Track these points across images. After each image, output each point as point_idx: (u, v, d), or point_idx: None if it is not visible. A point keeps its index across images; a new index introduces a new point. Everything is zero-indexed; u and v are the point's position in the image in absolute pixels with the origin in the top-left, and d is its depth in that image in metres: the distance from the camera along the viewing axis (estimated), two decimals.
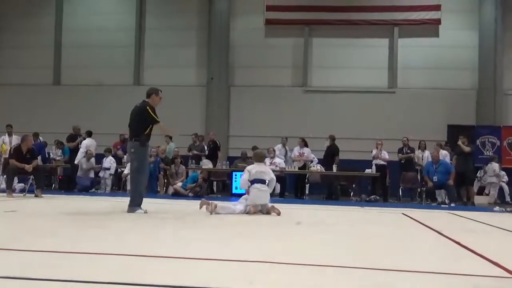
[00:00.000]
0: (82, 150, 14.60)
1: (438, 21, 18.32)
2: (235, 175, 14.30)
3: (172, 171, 14.58)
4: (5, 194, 10.90)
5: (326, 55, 19.07)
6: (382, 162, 14.38)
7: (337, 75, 18.89)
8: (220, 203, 7.73)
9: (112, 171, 15.23)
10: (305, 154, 14.70)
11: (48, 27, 20.33)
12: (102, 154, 15.57)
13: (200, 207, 7.71)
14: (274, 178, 8.31)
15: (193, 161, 15.30)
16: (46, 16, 20.40)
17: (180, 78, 19.07)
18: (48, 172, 15.79)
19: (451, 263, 3.73)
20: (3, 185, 12.10)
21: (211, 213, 7.43)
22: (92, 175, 14.93)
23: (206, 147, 15.83)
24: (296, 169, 14.57)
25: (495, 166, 15.64)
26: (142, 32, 20.12)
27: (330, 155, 14.77)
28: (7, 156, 12.66)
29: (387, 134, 16.55)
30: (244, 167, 14.43)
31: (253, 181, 7.89)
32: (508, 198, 15.76)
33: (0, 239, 4.37)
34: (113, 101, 18.59)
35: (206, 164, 14.71)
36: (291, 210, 8.79)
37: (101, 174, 15.23)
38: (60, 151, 16.72)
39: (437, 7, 18.29)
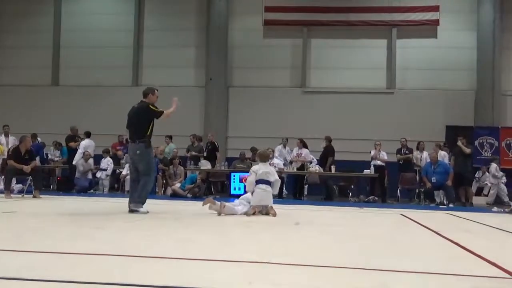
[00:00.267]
0: (80, 151, 14.57)
1: (436, 22, 18.35)
2: (234, 176, 14.30)
3: (170, 172, 14.57)
4: (3, 195, 10.89)
5: (325, 56, 19.09)
6: (380, 163, 14.38)
7: (335, 76, 18.91)
8: (226, 203, 7.72)
9: (109, 172, 15.21)
10: (303, 155, 14.69)
11: (46, 27, 20.33)
12: (100, 155, 15.57)
13: (204, 204, 7.70)
14: (279, 179, 8.33)
15: (192, 162, 15.30)
16: (45, 16, 20.39)
17: (179, 79, 19.07)
18: (46, 173, 15.77)
19: (449, 264, 3.74)
20: (1, 186, 12.10)
21: (219, 214, 7.41)
22: (90, 176, 14.91)
23: (204, 148, 15.83)
24: (295, 170, 14.57)
25: (493, 167, 15.69)
26: (141, 32, 20.12)
27: (325, 156, 14.82)
28: (4, 156, 12.65)
29: (386, 134, 16.57)
30: (243, 168, 14.60)
31: (257, 182, 7.86)
32: (506, 199, 15.76)
33: None
34: (112, 101, 18.57)
35: (205, 165, 14.71)
36: (289, 211, 8.79)
37: (98, 174, 15.22)
38: (59, 152, 16.71)
39: (435, 8, 18.32)
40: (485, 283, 3.04)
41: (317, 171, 14.34)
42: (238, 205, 7.78)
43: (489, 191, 16.13)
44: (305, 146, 14.98)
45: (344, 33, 18.95)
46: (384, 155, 14.50)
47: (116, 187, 15.61)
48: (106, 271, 3.04)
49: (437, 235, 5.71)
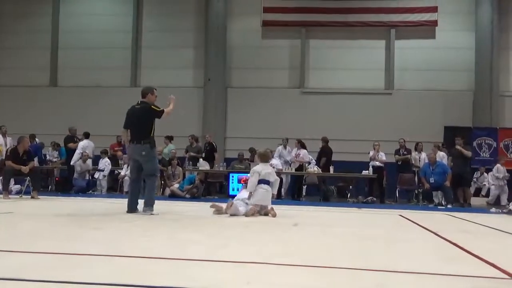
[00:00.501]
0: (78, 152, 14.57)
1: (434, 23, 18.39)
2: (232, 176, 14.30)
3: (169, 173, 14.57)
4: (1, 195, 10.88)
5: (323, 56, 19.10)
6: (379, 164, 14.39)
7: (334, 77, 18.93)
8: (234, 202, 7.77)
9: (107, 172, 15.21)
10: (301, 156, 14.70)
11: (45, 28, 20.32)
12: (99, 156, 15.57)
13: (211, 207, 7.87)
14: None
15: (190, 162, 15.30)
16: (43, 17, 20.39)
17: (177, 80, 19.06)
18: (44, 174, 15.75)
19: (448, 264, 3.74)
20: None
21: (220, 213, 7.56)
22: (88, 176, 14.90)
23: (203, 149, 15.82)
24: (293, 171, 14.58)
25: (495, 167, 15.81)
26: (139, 33, 20.12)
27: (321, 157, 14.85)
28: (2, 157, 12.64)
29: (384, 135, 16.59)
30: (241, 168, 14.60)
31: (259, 182, 7.94)
32: (505, 201, 15.79)
33: None
34: (110, 102, 18.56)
35: (203, 165, 14.71)
36: (288, 212, 8.79)
37: (96, 175, 15.21)
38: (57, 152, 16.70)
39: (433, 9, 18.36)
40: (483, 283, 3.04)
41: (316, 172, 14.34)
42: (239, 206, 7.79)
43: (487, 191, 16.18)
44: (303, 146, 15.00)
45: (342, 34, 18.97)
46: (382, 156, 14.51)
47: (114, 187, 15.60)
48: (104, 271, 3.03)
49: (435, 236, 5.71)
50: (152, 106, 7.68)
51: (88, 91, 19.66)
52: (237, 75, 19.40)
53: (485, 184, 16.39)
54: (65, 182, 15.07)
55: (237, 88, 19.27)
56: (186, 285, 2.71)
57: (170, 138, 16.05)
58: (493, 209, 11.78)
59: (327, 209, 10.76)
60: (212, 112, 18.83)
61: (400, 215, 9.04)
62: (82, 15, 20.37)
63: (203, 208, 8.63)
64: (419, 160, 14.85)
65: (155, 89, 7.89)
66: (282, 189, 14.67)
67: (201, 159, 15.11)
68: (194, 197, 13.10)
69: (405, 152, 14.88)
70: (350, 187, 15.02)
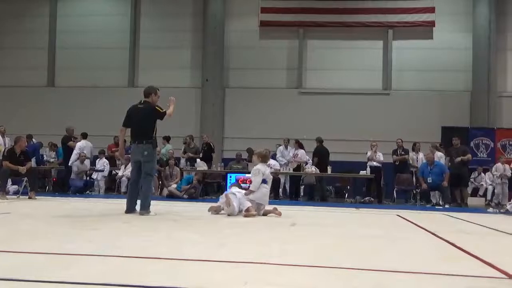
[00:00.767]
0: (75, 152, 14.54)
1: (432, 24, 18.41)
2: (230, 176, 14.29)
3: (166, 173, 14.56)
4: None
5: (321, 57, 19.12)
6: (376, 164, 14.40)
7: (331, 77, 18.94)
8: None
9: (106, 173, 15.19)
10: (299, 156, 14.71)
11: (42, 28, 20.29)
12: (96, 156, 15.54)
13: (210, 210, 7.91)
14: (271, 178, 8.52)
15: (188, 162, 15.29)
16: (40, 18, 20.35)
17: (175, 80, 19.04)
18: (42, 174, 15.72)
19: (446, 264, 3.74)
20: None
21: (222, 209, 7.73)
22: (85, 177, 14.87)
23: (200, 149, 15.82)
24: (291, 171, 14.58)
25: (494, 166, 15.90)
26: (137, 33, 20.10)
27: (318, 157, 14.85)
28: (0, 157, 12.60)
29: (382, 135, 16.59)
30: (239, 169, 14.59)
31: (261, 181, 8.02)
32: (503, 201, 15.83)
33: None
34: (108, 103, 18.54)
35: (201, 165, 14.70)
36: (286, 212, 8.78)
37: (94, 176, 15.18)
38: (54, 153, 16.66)
39: (431, 10, 18.38)
40: (481, 283, 3.04)
41: (313, 172, 14.34)
42: (233, 200, 7.77)
43: (485, 191, 16.22)
44: (301, 147, 15.02)
45: (340, 34, 18.98)
46: (380, 156, 14.53)
47: (112, 188, 15.57)
48: (102, 271, 3.03)
49: (433, 236, 5.72)
50: (156, 107, 7.67)
51: (86, 91, 19.63)
52: (235, 75, 19.40)
53: (482, 184, 16.42)
54: (62, 183, 15.04)
55: (235, 88, 19.27)
56: (183, 285, 2.71)
57: (167, 139, 16.04)
58: (490, 209, 11.81)
59: (325, 209, 10.77)
60: (210, 112, 18.83)
61: (398, 215, 9.05)
62: (80, 15, 20.34)
63: (201, 208, 8.62)
64: (417, 160, 14.86)
65: (158, 90, 7.88)
66: (280, 189, 14.69)
67: (198, 159, 15.12)
68: (192, 198, 13.09)
69: (402, 152, 14.89)
70: (348, 187, 15.03)
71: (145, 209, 7.43)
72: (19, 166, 11.06)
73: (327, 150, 15.22)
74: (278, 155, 15.08)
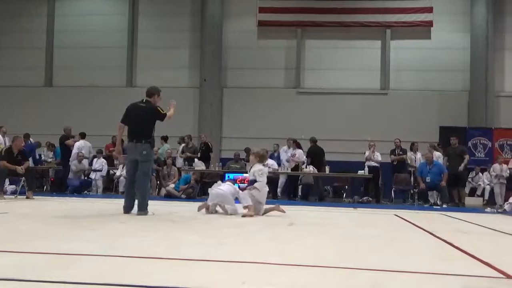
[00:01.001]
0: (74, 151, 14.54)
1: (430, 23, 18.44)
2: (228, 176, 14.27)
3: (164, 173, 14.55)
4: None
5: (319, 56, 19.12)
6: (374, 164, 14.41)
7: (329, 77, 18.95)
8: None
9: (104, 172, 15.17)
10: (297, 156, 14.71)
11: (40, 28, 20.26)
12: (94, 156, 15.52)
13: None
14: None
15: (186, 162, 15.29)
16: (38, 17, 20.32)
17: (173, 80, 19.03)
18: (39, 174, 15.70)
19: (443, 263, 3.75)
20: None
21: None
22: (82, 176, 14.86)
23: (198, 148, 15.81)
24: (289, 171, 14.58)
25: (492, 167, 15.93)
26: (135, 33, 20.09)
27: (310, 157, 14.85)
28: None
29: (380, 135, 16.60)
30: (237, 168, 14.59)
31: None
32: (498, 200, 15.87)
33: None
34: (106, 102, 18.52)
35: (199, 165, 14.70)
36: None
37: (92, 175, 15.16)
38: (52, 153, 16.63)
39: (429, 10, 18.41)
40: (478, 282, 3.05)
41: (311, 172, 14.35)
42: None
43: (483, 192, 16.26)
44: (299, 146, 15.02)
45: (338, 34, 19.00)
46: (378, 156, 14.54)
47: (110, 188, 15.56)
48: (100, 271, 3.02)
49: (431, 235, 5.72)
50: (158, 108, 7.66)
51: (84, 91, 19.61)
52: (233, 75, 19.40)
53: (480, 184, 16.46)
54: (60, 183, 15.02)
55: (233, 88, 19.27)
56: (181, 284, 2.71)
57: (165, 138, 16.04)
58: (488, 209, 11.83)
59: (323, 209, 10.77)
60: (207, 112, 18.83)
61: (396, 215, 9.06)
62: (77, 15, 20.31)
63: (201, 211, 8.61)
64: (415, 160, 14.88)
65: (160, 91, 7.88)
66: (278, 189, 14.70)
67: (196, 159, 15.11)
68: (190, 197, 13.09)
69: (400, 152, 14.91)
70: (346, 187, 15.04)
71: (143, 209, 7.41)
72: (17, 166, 11.04)
73: (322, 149, 15.20)
74: (282, 155, 15.06)
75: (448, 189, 13.35)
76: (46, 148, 16.88)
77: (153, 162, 7.98)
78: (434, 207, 12.77)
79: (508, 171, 15.59)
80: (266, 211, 7.90)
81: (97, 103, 19.11)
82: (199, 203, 8.38)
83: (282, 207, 8.20)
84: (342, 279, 3.03)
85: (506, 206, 11.28)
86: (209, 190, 8.27)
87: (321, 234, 5.69)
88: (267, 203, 8.24)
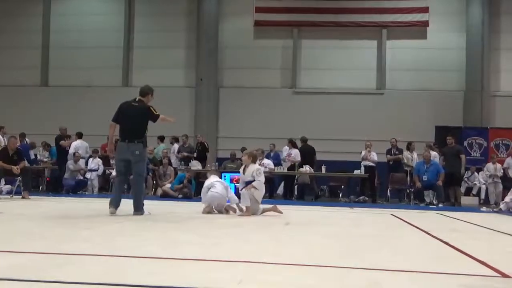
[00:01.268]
0: (71, 151, 14.51)
1: (426, 23, 18.47)
2: (224, 176, 14.26)
3: (160, 172, 14.53)
4: None
5: (315, 56, 19.13)
6: (371, 163, 14.42)
7: (326, 77, 18.96)
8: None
9: (100, 172, 15.14)
10: (293, 155, 14.70)
11: (35, 27, 20.19)
12: (89, 155, 15.48)
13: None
14: None
15: (182, 162, 15.27)
16: (34, 17, 20.26)
17: (169, 79, 19.02)
18: (35, 174, 15.65)
19: (439, 263, 3.76)
20: None
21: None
22: (79, 176, 14.81)
23: (195, 148, 15.80)
24: (285, 170, 14.57)
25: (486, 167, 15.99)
26: (131, 33, 20.05)
27: (303, 157, 14.82)
28: None
29: (376, 135, 16.62)
30: (233, 168, 14.57)
31: (252, 182, 8.02)
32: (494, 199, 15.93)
33: None
34: (102, 102, 18.41)
35: (195, 165, 14.68)
36: None
37: (87, 175, 15.11)
38: (48, 153, 16.57)
39: (425, 10, 18.44)
40: (474, 281, 3.06)
41: (307, 172, 14.35)
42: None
43: (478, 191, 16.31)
44: (295, 146, 15.00)
45: (334, 34, 19.01)
46: (374, 156, 14.55)
47: (105, 187, 15.52)
48: (97, 271, 3.02)
49: (427, 235, 5.74)
50: (151, 108, 7.57)
51: (79, 91, 19.56)
52: (229, 75, 19.39)
53: (475, 184, 16.51)
54: (56, 182, 14.97)
55: (229, 88, 19.26)
56: (178, 284, 2.71)
57: (161, 138, 16.02)
58: (484, 208, 11.87)
59: (319, 208, 10.78)
60: (204, 112, 18.81)
61: (392, 214, 9.08)
62: (74, 15, 20.25)
63: (195, 208, 8.62)
64: (412, 160, 14.90)
65: (153, 91, 7.85)
66: (279, 190, 14.70)
67: (192, 160, 15.09)
68: (186, 197, 13.08)
69: (396, 152, 14.92)
70: (342, 186, 15.05)
71: (139, 209, 7.38)
72: (12, 166, 11.00)
73: (313, 148, 15.14)
74: (284, 154, 15.02)
75: (444, 189, 13.37)
76: (42, 147, 16.82)
77: (146, 161, 7.90)
78: (430, 206, 12.79)
79: (502, 170, 15.65)
80: (264, 211, 7.90)
81: (93, 103, 19.04)
82: (194, 203, 8.40)
83: (278, 206, 8.21)
84: (338, 278, 3.04)
85: (502, 205, 11.33)
86: (202, 191, 8.23)
87: (317, 233, 5.70)
88: (263, 203, 8.25)
